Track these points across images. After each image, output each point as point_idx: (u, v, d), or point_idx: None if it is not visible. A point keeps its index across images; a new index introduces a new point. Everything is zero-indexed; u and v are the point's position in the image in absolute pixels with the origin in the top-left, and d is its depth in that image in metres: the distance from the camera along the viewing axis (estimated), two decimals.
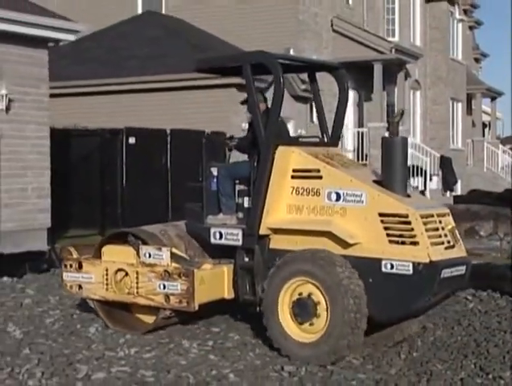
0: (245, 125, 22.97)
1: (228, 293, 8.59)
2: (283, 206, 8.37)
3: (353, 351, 7.73)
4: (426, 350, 8.12)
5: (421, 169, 27.41)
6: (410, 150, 27.39)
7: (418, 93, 34.13)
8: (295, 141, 8.99)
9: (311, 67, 9.96)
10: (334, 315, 7.56)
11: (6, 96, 14.83)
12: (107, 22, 26.85)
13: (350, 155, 28.50)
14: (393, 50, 27.54)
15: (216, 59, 10.42)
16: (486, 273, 11.90)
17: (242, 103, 9.19)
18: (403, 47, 29.58)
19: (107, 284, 8.82)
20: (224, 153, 9.40)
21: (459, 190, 32.15)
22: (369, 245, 7.80)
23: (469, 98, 39.40)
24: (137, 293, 8.57)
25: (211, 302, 8.50)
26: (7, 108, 14.92)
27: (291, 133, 11.53)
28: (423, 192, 26.97)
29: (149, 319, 9.03)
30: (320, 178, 8.20)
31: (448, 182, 30.68)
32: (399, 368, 7.35)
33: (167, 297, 8.30)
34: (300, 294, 7.85)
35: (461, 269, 7.96)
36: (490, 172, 37.86)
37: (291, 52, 24.58)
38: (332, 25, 27.82)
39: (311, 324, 7.77)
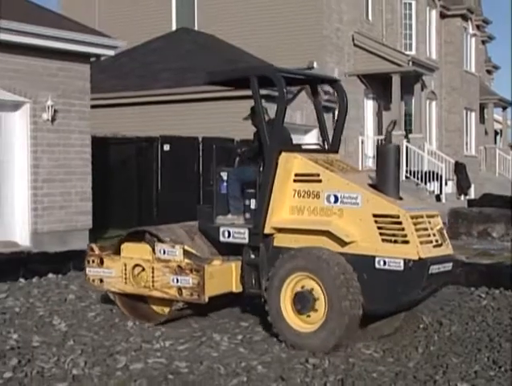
0: None
1: (236, 287, 8.74)
2: (286, 207, 8.51)
3: (348, 341, 7.81)
4: (442, 344, 8.07)
5: (437, 174, 27.24)
6: (426, 157, 27.42)
7: (434, 103, 33.96)
8: (297, 148, 9.10)
9: (313, 81, 10.08)
10: (331, 306, 7.69)
11: (52, 106, 14.96)
12: (143, 38, 26.99)
13: (370, 161, 28.44)
14: (410, 63, 27.41)
15: (225, 73, 10.52)
16: (498, 272, 11.82)
17: (245, 118, 9.22)
18: (420, 60, 29.43)
19: (125, 278, 8.98)
20: (234, 158, 9.52)
21: (472, 194, 31.90)
22: (364, 243, 7.92)
23: (482, 108, 39.19)
24: (152, 286, 8.72)
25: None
26: (53, 119, 15.04)
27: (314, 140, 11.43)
28: (438, 196, 26.82)
29: (163, 311, 9.22)
30: (320, 181, 8.33)
31: (463, 187, 30.51)
32: (417, 361, 7.31)
33: (179, 290, 8.45)
34: (301, 288, 7.98)
35: (448, 266, 8.08)
36: (502, 177, 37.60)
37: (315, 65, 24.56)
38: (353, 40, 27.76)
39: (309, 315, 7.90)
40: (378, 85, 28.80)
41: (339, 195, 8.13)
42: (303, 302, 7.90)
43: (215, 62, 23.21)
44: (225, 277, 8.65)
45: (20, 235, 14.67)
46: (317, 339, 7.73)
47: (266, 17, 26.24)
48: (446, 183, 27.89)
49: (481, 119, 39.11)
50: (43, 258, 12.79)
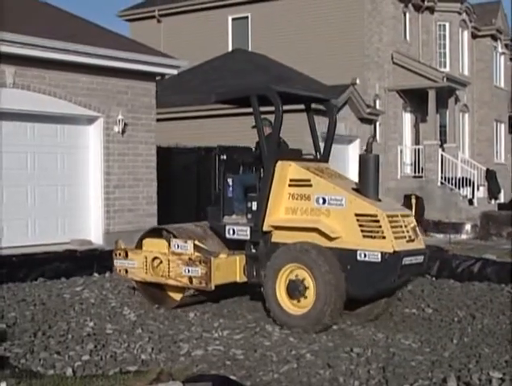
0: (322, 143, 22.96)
1: (240, 277, 9.17)
2: (282, 208, 8.95)
3: (333, 322, 8.29)
4: (475, 336, 7.97)
5: (469, 180, 26.83)
6: (460, 164, 27.03)
7: (466, 115, 33.49)
8: (292, 157, 9.34)
9: (307, 100, 10.38)
10: (318, 293, 8.15)
11: (122, 120, 15.16)
12: (203, 58, 27.14)
13: (408, 169, 28.15)
14: (444, 79, 27.06)
15: (229, 93, 11.10)
16: None
17: (253, 127, 9.52)
18: (453, 76, 29.05)
19: (146, 268, 9.41)
20: (238, 166, 10.04)
21: (502, 198, 31.36)
22: (348, 239, 8.34)
23: (511, 119, 38.50)
24: (168, 275, 9.14)
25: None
26: (123, 131, 15.24)
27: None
28: (471, 200, 26.43)
29: (177, 297, 9.61)
30: (311, 186, 8.76)
31: (493, 192, 30.02)
32: (452, 351, 7.22)
33: (190, 279, 8.88)
34: (294, 277, 8.41)
35: (420, 258, 8.47)
36: None
37: (358, 81, 24.43)
38: (392, 58, 27.52)
39: (300, 300, 8.35)
40: (415, 99, 28.48)
41: (326, 198, 8.57)
42: (295, 289, 8.36)
43: (266, 79, 23.26)
44: (230, 268, 9.06)
45: (94, 234, 14.90)
46: (307, 321, 8.19)
47: (314, 38, 26.17)
48: (478, 189, 27.44)
49: (510, 129, 38.42)
50: None
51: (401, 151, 27.84)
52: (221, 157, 9.89)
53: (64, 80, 14.28)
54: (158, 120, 16.67)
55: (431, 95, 27.33)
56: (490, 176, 30.01)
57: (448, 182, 26.40)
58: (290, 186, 8.90)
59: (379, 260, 8.05)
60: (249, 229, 9.04)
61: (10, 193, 13.81)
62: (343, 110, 23.38)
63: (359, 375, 6.35)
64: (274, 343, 7.55)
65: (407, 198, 25.31)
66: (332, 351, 7.23)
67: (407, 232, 8.41)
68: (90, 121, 15.08)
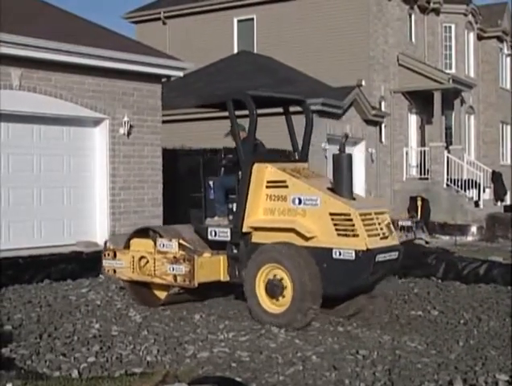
0: (325, 145, 22.91)
1: (223, 276, 9.30)
2: (260, 209, 9.11)
3: (311, 319, 8.43)
4: (481, 338, 7.95)
5: (475, 182, 26.77)
6: (466, 166, 26.99)
7: (472, 117, 33.44)
8: (268, 159, 9.51)
9: (283, 102, 10.49)
10: (296, 291, 8.34)
11: (128, 122, 15.18)
12: (209, 60, 27.15)
13: (414, 171, 28.11)
14: (450, 80, 27.02)
15: (207, 98, 11.54)
16: None
17: (226, 135, 9.90)
18: (459, 78, 29.01)
19: (133, 268, 9.56)
20: (219, 169, 10.39)
21: (508, 200, 31.29)
22: (323, 238, 8.49)
23: None
24: (154, 274, 9.30)
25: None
26: (128, 133, 15.26)
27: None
28: (477, 202, 26.37)
29: (162, 295, 9.78)
30: (287, 187, 8.91)
31: (499, 194, 29.95)
32: (458, 354, 7.20)
33: (175, 277, 9.05)
34: (272, 277, 8.60)
35: (394, 255, 8.63)
36: None
37: (363, 83, 24.40)
38: (397, 60, 27.50)
39: (278, 299, 8.53)
40: (421, 101, 28.46)
41: (302, 198, 8.72)
42: (273, 288, 8.55)
43: (272, 81, 23.26)
44: (214, 267, 9.22)
45: (100, 236, 14.90)
46: (285, 318, 8.37)
47: (319, 40, 26.17)
48: (484, 190, 27.38)
49: None
50: None
51: (406, 153, 27.81)
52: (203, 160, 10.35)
53: (69, 82, 14.31)
54: (163, 122, 16.67)
55: (437, 96, 27.30)
56: (496, 178, 29.95)
57: (454, 184, 26.36)
58: (267, 187, 9.08)
59: (353, 257, 8.22)
60: (229, 230, 9.22)
61: (16, 195, 13.84)
62: (348, 112, 23.37)
63: (365, 377, 6.34)
64: (280, 345, 7.54)
65: (413, 200, 25.30)
66: (337, 353, 7.22)
67: (381, 229, 8.58)
68: (96, 123, 15.11)
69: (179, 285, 9.20)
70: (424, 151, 27.55)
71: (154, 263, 9.28)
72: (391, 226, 8.80)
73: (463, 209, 25.52)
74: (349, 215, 8.35)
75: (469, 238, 22.20)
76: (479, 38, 33.66)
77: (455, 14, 30.87)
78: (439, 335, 8.10)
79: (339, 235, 8.40)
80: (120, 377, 6.21)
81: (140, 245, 9.71)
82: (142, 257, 9.50)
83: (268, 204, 9.03)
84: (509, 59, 36.21)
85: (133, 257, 9.57)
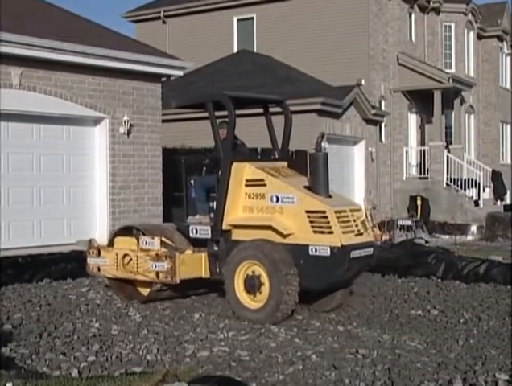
0: (324, 144, 22.90)
1: (205, 273, 9.48)
2: (240, 207, 9.31)
3: (288, 314, 8.63)
4: (481, 337, 7.95)
5: (475, 181, 26.78)
6: (465, 166, 26.99)
7: (472, 116, 33.44)
8: (247, 158, 9.75)
9: (262, 102, 10.69)
10: (273, 288, 8.54)
11: (128, 121, 15.18)
12: (209, 59, 27.16)
13: (414, 170, 28.11)
14: (450, 80, 27.02)
15: (187, 98, 11.79)
16: None
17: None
18: (459, 77, 29.00)
19: (117, 265, 9.69)
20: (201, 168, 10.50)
21: (508, 199, 31.29)
22: (300, 235, 8.71)
23: None
24: (137, 271, 9.45)
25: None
26: (128, 132, 15.27)
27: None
28: (477, 202, 26.38)
29: (145, 292, 9.93)
30: (265, 185, 9.13)
31: (499, 193, 29.95)
32: (458, 353, 7.20)
33: (157, 273, 9.20)
34: (251, 273, 8.79)
35: (369, 251, 8.90)
36: None
37: (363, 82, 24.40)
38: (397, 59, 27.50)
39: (257, 295, 8.73)
40: (421, 100, 28.45)
41: (279, 196, 8.95)
42: (251, 285, 8.76)
43: (272, 80, 23.27)
44: (196, 264, 9.38)
45: (99, 235, 14.90)
46: (263, 314, 8.58)
47: (319, 39, 26.16)
48: (483, 190, 27.38)
49: None
50: None
51: (406, 152, 27.82)
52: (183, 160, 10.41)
53: (69, 82, 14.31)
54: (163, 121, 16.67)
55: (437, 96, 27.30)
56: (496, 177, 29.95)
57: (454, 184, 26.36)
58: (246, 186, 9.28)
59: (328, 254, 8.43)
60: (209, 228, 9.41)
61: (16, 194, 13.85)
62: (348, 111, 23.37)
63: (364, 376, 6.34)
64: (280, 345, 7.55)
65: (413, 199, 25.31)
66: (337, 352, 7.22)
67: (356, 226, 8.81)
68: (96, 122, 15.11)
69: (161, 281, 9.36)
70: (424, 150, 27.56)
71: (137, 260, 9.44)
72: (367, 223, 9.11)
73: (463, 208, 25.53)
74: (325, 212, 8.58)
75: (469, 237, 22.21)
76: (479, 37, 33.66)
77: (455, 14, 30.87)
78: (439, 335, 8.10)
79: (315, 232, 8.64)
80: (120, 376, 6.21)
81: (124, 243, 9.88)
82: (125, 255, 9.65)
83: (247, 202, 9.26)
84: (509, 58, 36.22)
85: (116, 255, 9.73)
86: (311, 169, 9.07)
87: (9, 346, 7.31)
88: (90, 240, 10.29)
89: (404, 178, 27.48)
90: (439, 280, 12.02)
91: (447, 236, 22.16)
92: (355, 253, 8.61)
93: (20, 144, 13.91)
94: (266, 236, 8.90)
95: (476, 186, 26.61)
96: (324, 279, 8.65)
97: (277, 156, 10.14)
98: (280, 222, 8.84)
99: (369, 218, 23.63)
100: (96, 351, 7.16)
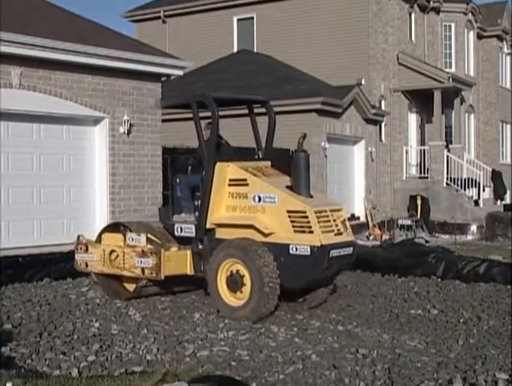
0: (324, 144, 22.89)
1: (190, 270, 9.65)
2: (223, 206, 9.48)
3: (269, 312, 8.76)
4: (481, 337, 7.95)
5: (475, 181, 26.77)
6: (465, 165, 26.99)
7: (472, 116, 33.45)
8: (231, 158, 9.87)
9: (246, 102, 10.89)
10: (254, 286, 8.70)
11: (128, 121, 15.17)
12: (208, 59, 27.14)
13: (413, 170, 28.11)
14: (450, 79, 27.02)
15: (172, 99, 11.99)
16: None
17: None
18: (459, 76, 29.00)
19: (104, 261, 9.81)
20: (187, 167, 10.67)
21: (508, 199, 31.30)
22: (281, 234, 8.90)
23: None
24: (123, 267, 9.56)
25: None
26: (128, 132, 15.25)
27: None
28: (476, 201, 26.38)
29: (131, 288, 10.08)
30: (247, 185, 9.31)
31: (499, 193, 29.95)
32: (458, 353, 7.21)
33: (143, 270, 9.33)
34: (234, 271, 8.94)
35: (349, 250, 9.09)
36: None
37: (363, 82, 24.40)
38: (397, 58, 27.49)
39: (238, 292, 8.89)
40: (421, 100, 28.45)
41: (261, 196, 9.13)
42: (233, 283, 8.91)
43: (273, 80, 23.26)
44: (181, 261, 9.53)
45: None
46: (245, 311, 8.72)
47: (319, 39, 26.16)
48: (483, 189, 27.37)
49: None
50: None
51: (406, 152, 27.81)
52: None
53: (69, 81, 14.30)
54: (163, 120, 16.65)
55: (437, 95, 27.31)
56: (496, 177, 29.95)
57: (454, 183, 26.37)
58: (229, 185, 9.45)
59: (308, 253, 8.61)
60: (194, 227, 9.57)
61: (16, 194, 13.84)
62: (348, 111, 23.36)
63: (364, 376, 6.35)
64: (280, 344, 7.55)
65: (413, 199, 25.32)
66: (337, 352, 7.23)
67: (336, 225, 9.01)
68: (96, 121, 15.10)
69: (146, 277, 9.50)
70: (424, 150, 27.55)
71: (124, 256, 9.55)
72: (347, 223, 9.25)
73: (463, 208, 25.53)
74: (305, 212, 8.75)
75: (469, 237, 22.23)
76: (479, 37, 33.66)
77: (455, 13, 30.87)
78: (439, 334, 8.11)
79: (295, 231, 8.80)
80: (120, 376, 6.22)
81: (111, 239, 10.00)
82: (112, 251, 9.76)
83: (230, 202, 9.42)
84: (509, 58, 36.22)
85: (104, 251, 9.84)
86: (293, 169, 9.22)
87: (9, 345, 7.32)
88: (78, 237, 10.38)
89: (404, 177, 27.48)
90: (439, 279, 12.02)
91: (447, 236, 22.18)
92: (334, 252, 8.78)
93: (20, 144, 13.90)
94: (248, 235, 9.07)
95: (476, 186, 26.61)
96: (303, 277, 8.82)
97: (261, 156, 10.28)
98: (262, 221, 9.02)
99: (369, 217, 23.77)
100: (96, 351, 7.16)
